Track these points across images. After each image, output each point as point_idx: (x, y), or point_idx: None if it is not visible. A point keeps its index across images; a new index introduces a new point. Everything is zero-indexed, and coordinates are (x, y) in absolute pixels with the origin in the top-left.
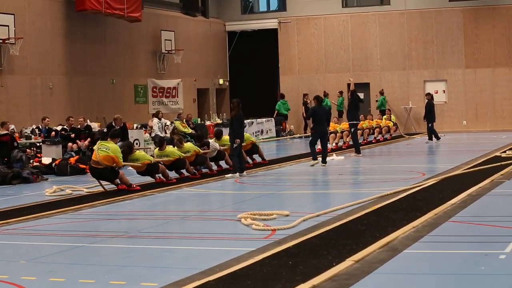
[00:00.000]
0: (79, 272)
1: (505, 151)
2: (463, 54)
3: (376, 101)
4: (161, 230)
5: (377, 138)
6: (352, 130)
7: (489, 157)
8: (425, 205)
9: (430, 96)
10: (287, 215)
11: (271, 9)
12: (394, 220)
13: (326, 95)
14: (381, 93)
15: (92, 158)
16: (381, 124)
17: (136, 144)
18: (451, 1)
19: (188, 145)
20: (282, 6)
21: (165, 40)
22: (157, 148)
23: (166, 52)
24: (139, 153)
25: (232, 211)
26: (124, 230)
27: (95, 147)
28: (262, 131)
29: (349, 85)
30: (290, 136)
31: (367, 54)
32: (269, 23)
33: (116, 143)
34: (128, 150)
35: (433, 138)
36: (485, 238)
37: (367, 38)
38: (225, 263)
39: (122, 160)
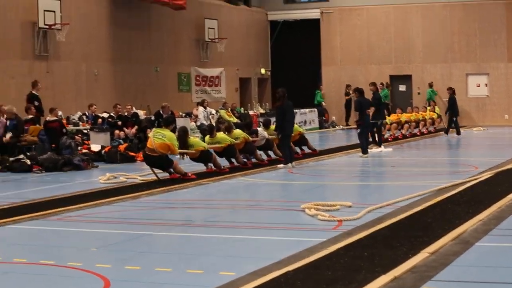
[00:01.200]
0: (153, 260)
1: None
2: (506, 48)
3: (418, 93)
4: (227, 219)
5: (421, 131)
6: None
7: None
8: (486, 198)
9: (452, 91)
10: (350, 206)
11: None
12: (459, 213)
13: (388, 85)
14: (430, 85)
15: (147, 145)
16: (425, 116)
17: None
18: None
19: (238, 131)
20: None
21: (208, 28)
22: (208, 136)
23: (209, 40)
24: (193, 139)
25: (293, 201)
26: (189, 219)
27: (150, 134)
28: (305, 122)
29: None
30: (332, 128)
31: (409, 46)
32: (312, 13)
33: (171, 130)
34: (183, 135)
35: (452, 132)
36: None
37: (409, 30)
38: (299, 253)
39: (177, 147)
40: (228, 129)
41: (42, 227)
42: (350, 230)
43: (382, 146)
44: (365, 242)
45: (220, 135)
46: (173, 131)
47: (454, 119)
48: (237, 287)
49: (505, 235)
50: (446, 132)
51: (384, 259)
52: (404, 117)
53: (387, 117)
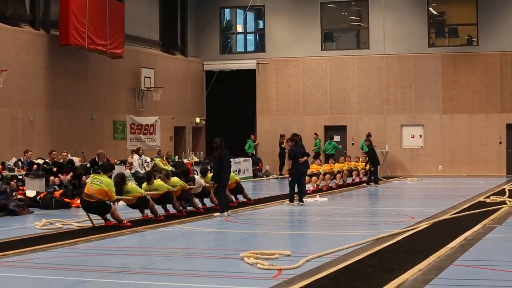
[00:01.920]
0: None
1: (488, 197)
2: (441, 100)
3: (353, 144)
4: (165, 267)
5: (355, 180)
6: (290, 179)
7: (473, 202)
8: (425, 248)
9: (369, 142)
10: (289, 255)
11: (249, 49)
12: (399, 262)
13: (331, 137)
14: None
15: (85, 191)
16: (358, 166)
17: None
18: (430, 47)
19: (175, 179)
20: (260, 47)
21: (145, 77)
22: (145, 183)
23: (146, 89)
24: (131, 185)
25: (231, 249)
26: (128, 265)
27: (87, 180)
28: (239, 171)
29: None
30: (266, 177)
31: (344, 97)
32: (248, 64)
33: (109, 177)
34: (121, 181)
35: (373, 183)
36: (495, 282)
37: (345, 81)
38: None
39: (115, 194)
40: (167, 176)
41: None
42: (290, 279)
43: (317, 196)
44: None
45: (158, 182)
46: (111, 178)
47: (372, 169)
48: None
49: (446, 284)
50: (368, 183)
51: None
52: (337, 167)
53: (320, 167)
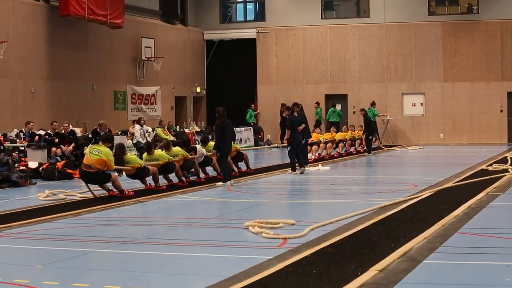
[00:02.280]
0: (101, 277)
1: (491, 165)
2: (442, 68)
3: (354, 112)
4: (170, 237)
5: (357, 149)
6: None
7: (475, 170)
8: (429, 217)
9: (364, 111)
10: (293, 224)
11: (249, 19)
12: (404, 231)
13: (334, 105)
14: (372, 104)
15: (84, 161)
16: (361, 135)
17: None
18: (431, 15)
19: (177, 149)
20: (261, 16)
21: (145, 47)
22: (146, 153)
23: (146, 59)
24: (130, 156)
25: (235, 219)
26: (132, 236)
27: (86, 151)
28: (241, 140)
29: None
30: (268, 146)
31: (345, 66)
32: (248, 33)
33: (108, 147)
34: (120, 152)
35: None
36: (500, 250)
37: (345, 50)
38: (247, 270)
39: (114, 163)
40: (167, 147)
41: None
42: (295, 248)
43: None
44: (312, 260)
45: (158, 152)
46: (111, 149)
47: (370, 137)
48: None
49: (451, 252)
50: (369, 152)
51: (333, 276)
52: (338, 135)
53: (320, 135)
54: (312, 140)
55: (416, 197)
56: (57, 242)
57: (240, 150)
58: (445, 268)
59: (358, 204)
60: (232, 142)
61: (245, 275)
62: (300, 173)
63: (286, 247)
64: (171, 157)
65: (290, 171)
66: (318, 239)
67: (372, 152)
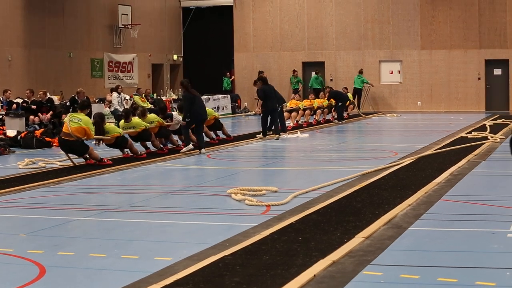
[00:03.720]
0: (85, 246)
1: (470, 132)
2: (419, 35)
3: (331, 79)
4: (153, 204)
5: (334, 116)
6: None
7: (455, 137)
8: (411, 183)
9: (330, 89)
10: (276, 191)
11: None
12: (387, 198)
13: (317, 72)
14: (360, 72)
15: (63, 130)
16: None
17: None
18: None
19: (152, 116)
20: None
21: (122, 14)
22: (123, 120)
23: (123, 26)
24: (109, 125)
25: (218, 186)
26: (115, 204)
27: (65, 119)
28: (218, 108)
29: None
30: (245, 114)
31: (322, 33)
32: (225, 0)
33: (86, 114)
34: (100, 121)
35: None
36: (484, 216)
37: (323, 17)
38: (233, 238)
39: (93, 132)
40: (143, 114)
41: None
42: (279, 215)
43: (298, 132)
44: (297, 227)
45: (135, 120)
46: (88, 115)
47: (340, 104)
48: (176, 273)
49: (436, 219)
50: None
51: (320, 243)
52: (316, 102)
53: (299, 102)
54: (291, 107)
55: (397, 164)
56: (39, 210)
57: (218, 118)
58: (431, 235)
59: (339, 171)
60: (211, 109)
61: (230, 242)
62: (276, 139)
63: (270, 215)
64: (148, 124)
65: (260, 135)
66: (302, 206)
67: (343, 121)
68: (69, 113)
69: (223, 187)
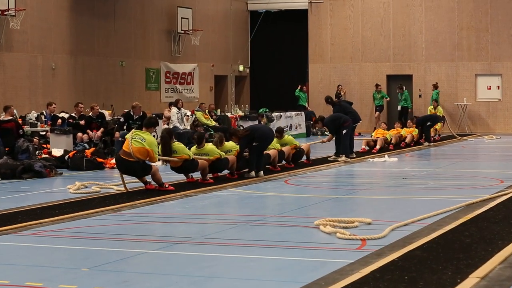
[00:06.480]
0: (160, 283)
1: None
2: None
3: (420, 95)
4: (230, 236)
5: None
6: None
7: None
8: None
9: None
10: (370, 223)
11: None
12: (499, 233)
13: (401, 88)
14: (435, 87)
15: (123, 148)
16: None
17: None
18: None
19: (230, 144)
20: None
21: (182, 18)
22: (195, 146)
23: (182, 32)
24: (178, 144)
25: (302, 216)
26: (186, 235)
27: (127, 136)
28: (291, 127)
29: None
30: (320, 133)
31: (410, 42)
32: (298, 3)
33: (151, 133)
34: (168, 138)
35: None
36: None
37: (411, 24)
38: (328, 276)
39: (157, 155)
40: (221, 140)
41: (15, 243)
42: (378, 251)
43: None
44: (400, 264)
45: (209, 146)
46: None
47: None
48: None
49: None
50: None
51: (429, 284)
52: (405, 131)
53: (387, 132)
54: (377, 137)
55: (505, 194)
56: (99, 241)
57: (299, 147)
58: None
59: (439, 201)
60: (290, 137)
61: (326, 281)
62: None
63: (367, 250)
64: (223, 153)
65: (341, 156)
66: (402, 241)
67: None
68: (133, 130)
69: (308, 217)
